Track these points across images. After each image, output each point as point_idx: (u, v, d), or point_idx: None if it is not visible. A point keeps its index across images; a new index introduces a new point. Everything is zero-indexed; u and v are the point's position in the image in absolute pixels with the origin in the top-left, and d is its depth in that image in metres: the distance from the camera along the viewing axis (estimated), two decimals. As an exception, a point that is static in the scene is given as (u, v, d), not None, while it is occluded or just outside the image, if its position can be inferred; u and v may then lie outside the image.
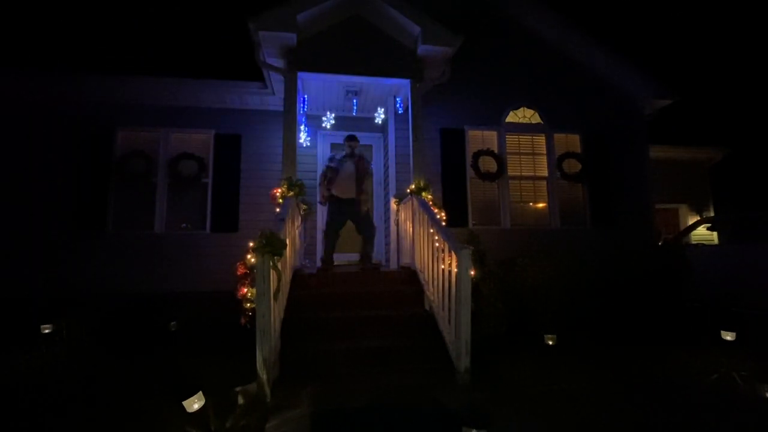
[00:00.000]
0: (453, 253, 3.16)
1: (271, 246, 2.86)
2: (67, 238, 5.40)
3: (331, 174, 4.87)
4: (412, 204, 4.53)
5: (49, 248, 5.34)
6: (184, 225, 5.87)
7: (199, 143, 5.98)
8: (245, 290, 3.01)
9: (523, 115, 6.55)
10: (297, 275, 4.19)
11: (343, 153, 4.97)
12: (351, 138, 5.00)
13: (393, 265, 5.31)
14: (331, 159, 5.03)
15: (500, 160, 6.21)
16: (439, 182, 5.93)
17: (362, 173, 4.87)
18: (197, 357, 3.66)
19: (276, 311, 3.03)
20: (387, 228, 5.90)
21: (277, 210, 3.86)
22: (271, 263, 2.84)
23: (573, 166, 6.42)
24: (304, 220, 4.95)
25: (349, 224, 4.90)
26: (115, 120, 5.76)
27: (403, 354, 3.35)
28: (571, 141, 6.59)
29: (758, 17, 20.11)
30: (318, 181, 5.28)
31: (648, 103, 6.80)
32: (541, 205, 6.46)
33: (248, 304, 2.94)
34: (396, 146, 5.76)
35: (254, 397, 2.58)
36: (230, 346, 3.42)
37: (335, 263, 4.86)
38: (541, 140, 6.51)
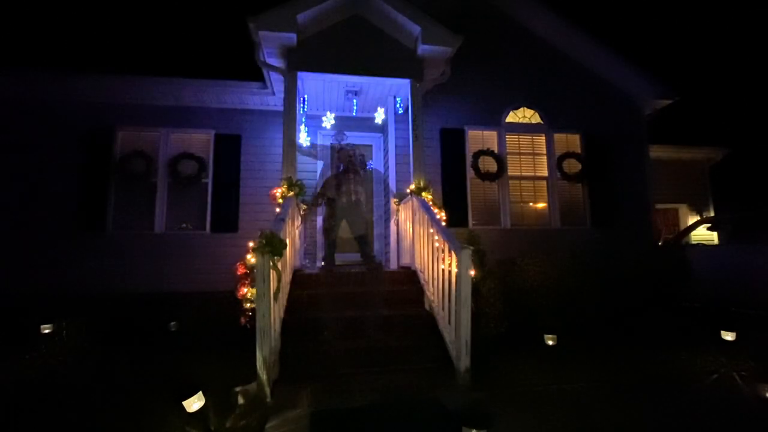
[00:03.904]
0: (453, 253, 3.16)
1: (271, 246, 2.86)
2: (67, 238, 5.40)
3: (329, 181, 5.08)
4: (412, 204, 4.53)
5: (49, 248, 5.33)
6: (183, 225, 5.86)
7: (199, 143, 5.98)
8: (245, 290, 3.01)
9: (523, 115, 6.55)
10: (297, 275, 4.19)
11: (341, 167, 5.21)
12: (340, 147, 5.43)
13: (393, 265, 5.31)
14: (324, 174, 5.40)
15: (500, 160, 6.21)
16: (439, 182, 5.93)
17: (354, 172, 4.92)
18: (197, 357, 3.65)
19: (276, 311, 3.03)
20: (387, 228, 5.90)
21: (277, 210, 3.86)
22: (271, 263, 2.84)
23: (573, 166, 6.42)
24: (304, 220, 4.95)
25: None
26: (115, 120, 5.76)
27: (404, 354, 3.35)
28: (571, 141, 6.59)
29: (758, 17, 20.11)
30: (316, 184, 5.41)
31: (648, 103, 6.81)
32: (541, 205, 6.46)
33: (248, 304, 2.95)
34: (396, 146, 5.76)
35: (254, 397, 2.58)
36: (230, 346, 3.42)
37: (337, 263, 4.87)
38: (541, 140, 6.51)
